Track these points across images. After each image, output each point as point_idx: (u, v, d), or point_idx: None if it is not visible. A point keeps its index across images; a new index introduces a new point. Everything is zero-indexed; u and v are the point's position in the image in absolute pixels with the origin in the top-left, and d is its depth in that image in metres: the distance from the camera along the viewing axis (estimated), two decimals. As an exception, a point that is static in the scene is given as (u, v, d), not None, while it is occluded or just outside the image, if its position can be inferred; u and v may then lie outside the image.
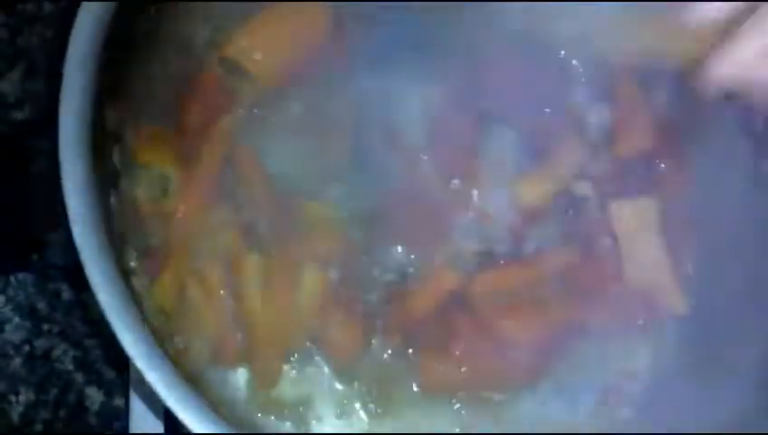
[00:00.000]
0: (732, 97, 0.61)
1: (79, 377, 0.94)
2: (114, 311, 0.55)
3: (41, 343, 0.94)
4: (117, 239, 0.63)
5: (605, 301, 0.82)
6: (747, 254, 0.79)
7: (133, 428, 0.84)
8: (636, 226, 0.81)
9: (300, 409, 0.78)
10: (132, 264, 0.68)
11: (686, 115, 0.84)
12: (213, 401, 0.67)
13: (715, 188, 0.82)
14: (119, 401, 0.93)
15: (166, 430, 0.81)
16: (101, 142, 0.63)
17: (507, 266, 0.81)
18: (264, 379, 0.77)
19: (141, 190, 0.74)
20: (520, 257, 0.81)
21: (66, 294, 0.96)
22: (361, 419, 0.79)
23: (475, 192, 0.80)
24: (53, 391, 0.93)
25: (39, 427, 0.91)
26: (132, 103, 0.71)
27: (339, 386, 0.79)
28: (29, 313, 0.95)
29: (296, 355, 0.79)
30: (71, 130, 0.58)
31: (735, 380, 0.72)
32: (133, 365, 0.84)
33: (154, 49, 0.75)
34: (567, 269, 0.81)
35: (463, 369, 0.79)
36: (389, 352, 0.80)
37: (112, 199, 0.66)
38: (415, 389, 0.80)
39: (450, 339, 0.79)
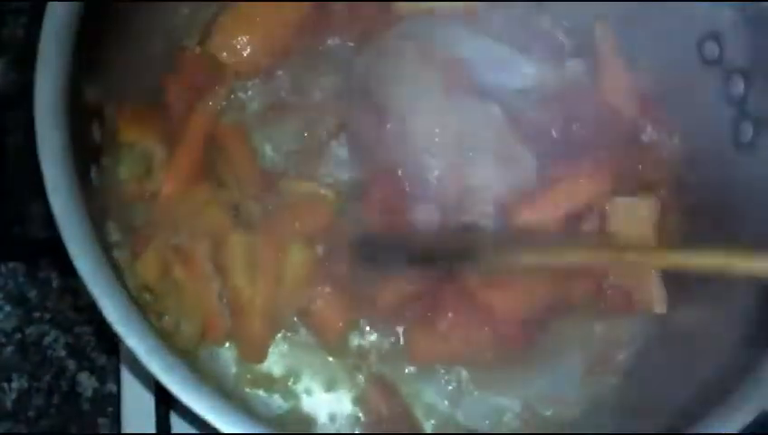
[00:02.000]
0: None
1: (71, 364, 0.94)
2: (94, 279, 0.56)
3: (32, 331, 0.95)
4: (97, 213, 0.63)
5: (589, 282, 0.82)
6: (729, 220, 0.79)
7: (125, 409, 0.84)
8: (632, 227, 0.81)
9: (288, 383, 0.78)
10: (114, 238, 0.68)
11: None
12: (201, 376, 0.68)
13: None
14: (111, 387, 0.93)
15: (157, 411, 0.81)
16: (80, 116, 0.63)
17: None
18: (252, 354, 0.77)
19: (124, 168, 0.75)
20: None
21: (56, 281, 0.97)
22: (349, 392, 0.78)
23: (461, 163, 0.80)
24: (46, 378, 0.93)
25: (32, 413, 0.92)
26: (113, 80, 0.71)
27: (329, 359, 0.79)
28: (20, 301, 0.96)
29: (283, 331, 0.79)
30: (46, 99, 0.58)
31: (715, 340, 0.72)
32: (123, 347, 0.87)
33: (135, 27, 0.75)
34: None
35: (451, 342, 0.79)
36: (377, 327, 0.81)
37: (93, 174, 0.66)
38: (405, 364, 0.80)
39: (437, 313, 0.79)
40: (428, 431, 0.78)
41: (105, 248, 0.60)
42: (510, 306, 0.79)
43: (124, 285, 0.60)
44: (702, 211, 0.80)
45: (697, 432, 0.63)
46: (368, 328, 0.81)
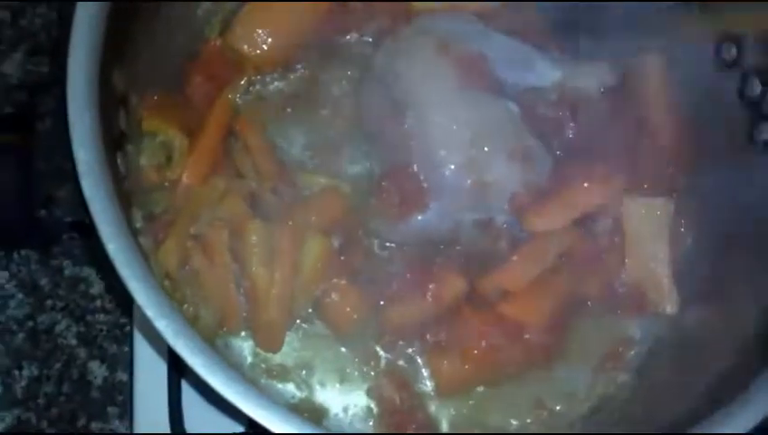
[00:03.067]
0: None
1: (81, 352, 0.94)
2: (124, 261, 0.56)
3: (44, 319, 0.95)
4: (124, 199, 0.64)
5: (602, 282, 0.83)
6: (746, 219, 0.80)
7: (137, 400, 0.84)
8: (646, 227, 0.82)
9: (302, 373, 0.79)
10: (138, 225, 0.69)
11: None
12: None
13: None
14: (121, 376, 0.93)
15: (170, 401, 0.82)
16: (108, 104, 0.64)
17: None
18: (268, 343, 0.78)
19: (145, 157, 0.75)
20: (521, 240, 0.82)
21: (68, 270, 0.97)
22: (363, 383, 0.79)
23: (476, 159, 0.80)
24: (57, 366, 0.94)
25: (42, 401, 0.92)
26: (138, 70, 0.72)
27: (343, 350, 0.79)
28: (32, 289, 0.96)
29: (298, 321, 0.79)
30: (78, 85, 0.59)
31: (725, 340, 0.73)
32: (137, 340, 0.87)
33: (159, 19, 0.76)
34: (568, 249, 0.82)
35: (481, 365, 0.79)
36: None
37: (119, 160, 0.67)
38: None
39: (465, 337, 0.79)
40: (441, 422, 0.78)
41: (132, 233, 0.60)
42: (536, 316, 0.79)
43: (151, 271, 0.60)
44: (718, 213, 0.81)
45: (704, 432, 0.64)
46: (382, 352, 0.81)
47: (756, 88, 0.78)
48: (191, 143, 0.79)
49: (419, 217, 0.81)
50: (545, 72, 0.84)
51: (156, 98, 0.76)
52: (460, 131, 0.81)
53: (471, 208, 0.81)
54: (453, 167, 0.80)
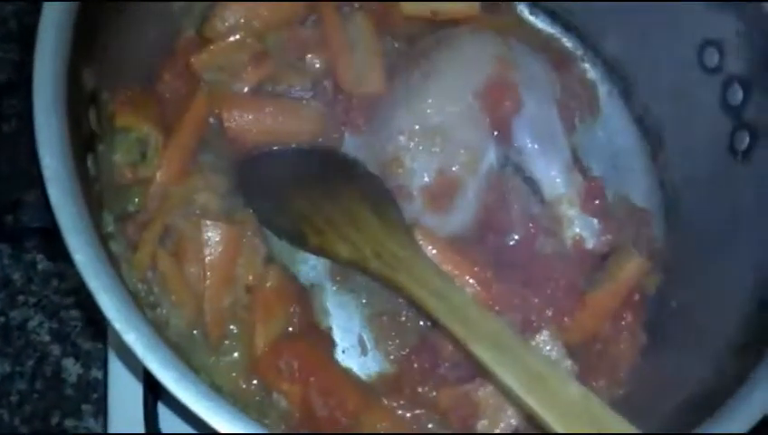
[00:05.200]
0: None
1: (55, 349, 0.93)
2: (91, 272, 0.54)
3: (16, 315, 0.93)
4: (94, 203, 0.62)
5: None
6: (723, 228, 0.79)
7: (112, 399, 0.83)
8: None
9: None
10: (110, 229, 0.67)
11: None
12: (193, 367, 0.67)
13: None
14: (96, 373, 0.92)
15: (145, 404, 0.81)
16: (77, 103, 0.62)
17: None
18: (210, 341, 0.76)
19: (119, 155, 0.73)
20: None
21: (42, 265, 0.95)
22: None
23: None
24: (29, 363, 0.92)
25: (15, 398, 0.90)
26: (110, 66, 0.70)
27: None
28: (4, 284, 0.94)
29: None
30: (45, 87, 0.57)
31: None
32: (112, 336, 0.86)
33: (131, 12, 0.73)
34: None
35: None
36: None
37: (89, 163, 0.65)
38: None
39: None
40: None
41: (102, 240, 0.59)
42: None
43: (121, 278, 0.59)
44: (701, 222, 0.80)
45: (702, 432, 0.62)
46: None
47: (738, 95, 0.77)
48: (166, 139, 0.77)
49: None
50: (556, 178, 0.83)
51: (129, 94, 0.74)
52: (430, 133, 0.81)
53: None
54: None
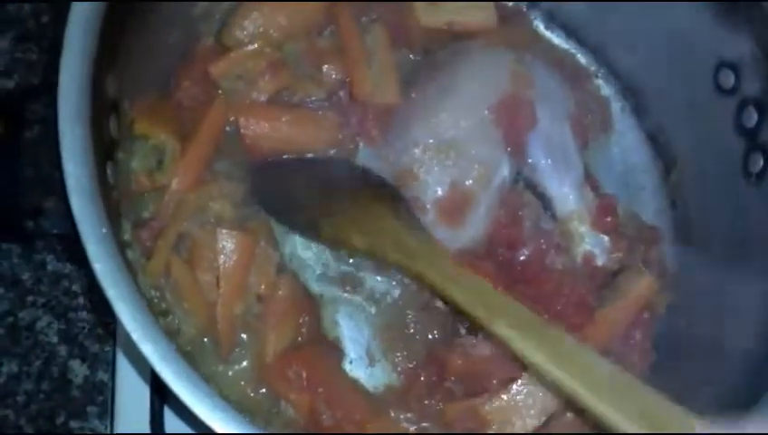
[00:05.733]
0: None
1: (62, 350, 0.93)
2: (111, 281, 0.55)
3: (24, 315, 0.93)
4: (113, 211, 0.62)
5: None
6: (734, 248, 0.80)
7: (118, 403, 0.83)
8: None
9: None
10: (127, 237, 0.68)
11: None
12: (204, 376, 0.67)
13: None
14: (102, 375, 0.92)
15: (152, 406, 0.81)
16: (100, 111, 0.62)
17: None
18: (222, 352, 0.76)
19: (137, 161, 0.74)
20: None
21: (52, 265, 0.95)
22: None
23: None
24: (37, 363, 0.92)
25: (21, 398, 0.91)
26: (130, 72, 0.70)
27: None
28: (14, 284, 0.94)
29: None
30: (71, 95, 0.57)
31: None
32: (120, 338, 0.86)
33: (153, 20, 0.73)
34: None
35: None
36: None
37: (109, 171, 0.65)
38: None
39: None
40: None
41: (120, 249, 0.59)
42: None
43: (138, 287, 0.59)
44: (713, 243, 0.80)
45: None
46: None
47: (753, 117, 0.77)
48: (183, 147, 0.77)
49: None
50: (568, 194, 0.84)
51: (147, 101, 0.74)
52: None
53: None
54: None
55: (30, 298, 0.94)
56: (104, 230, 0.55)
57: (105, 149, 0.65)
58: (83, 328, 0.93)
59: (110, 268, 0.55)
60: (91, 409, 0.91)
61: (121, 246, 0.61)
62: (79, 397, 0.91)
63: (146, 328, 0.54)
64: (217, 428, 0.54)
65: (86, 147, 0.57)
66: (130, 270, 0.60)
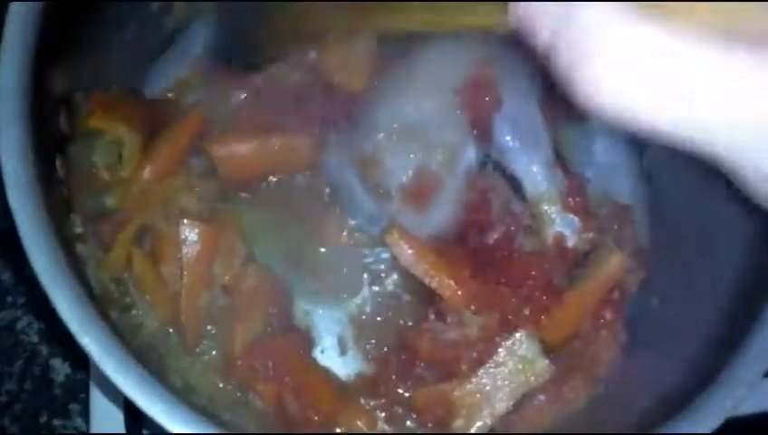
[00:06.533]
0: None
1: (44, 349, 0.93)
2: (50, 277, 0.55)
3: (5, 316, 0.94)
4: (60, 206, 0.62)
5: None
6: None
7: (94, 399, 0.84)
8: None
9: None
10: (78, 230, 0.68)
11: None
12: (163, 368, 0.67)
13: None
14: (83, 374, 0.92)
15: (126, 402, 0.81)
16: (46, 106, 0.62)
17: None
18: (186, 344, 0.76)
19: (98, 155, 0.74)
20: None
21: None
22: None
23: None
24: (18, 363, 0.93)
25: (3, 398, 0.91)
26: (85, 67, 0.70)
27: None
28: (-7, 284, 0.95)
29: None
30: (8, 93, 0.57)
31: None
32: None
33: (107, 13, 0.73)
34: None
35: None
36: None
37: (58, 164, 0.65)
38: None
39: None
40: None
41: (67, 242, 0.59)
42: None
43: (85, 282, 0.59)
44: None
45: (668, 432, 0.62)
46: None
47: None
48: (153, 141, 0.77)
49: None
50: (537, 174, 0.82)
51: (105, 95, 0.74)
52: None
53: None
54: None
55: (10, 298, 0.95)
56: (45, 226, 0.55)
57: (54, 144, 0.65)
58: (63, 327, 0.94)
59: (51, 264, 0.55)
60: (73, 407, 0.92)
61: (70, 241, 0.61)
62: (60, 395, 0.92)
63: (84, 322, 0.54)
64: (160, 419, 0.54)
65: (27, 143, 0.57)
66: (79, 265, 0.60)
